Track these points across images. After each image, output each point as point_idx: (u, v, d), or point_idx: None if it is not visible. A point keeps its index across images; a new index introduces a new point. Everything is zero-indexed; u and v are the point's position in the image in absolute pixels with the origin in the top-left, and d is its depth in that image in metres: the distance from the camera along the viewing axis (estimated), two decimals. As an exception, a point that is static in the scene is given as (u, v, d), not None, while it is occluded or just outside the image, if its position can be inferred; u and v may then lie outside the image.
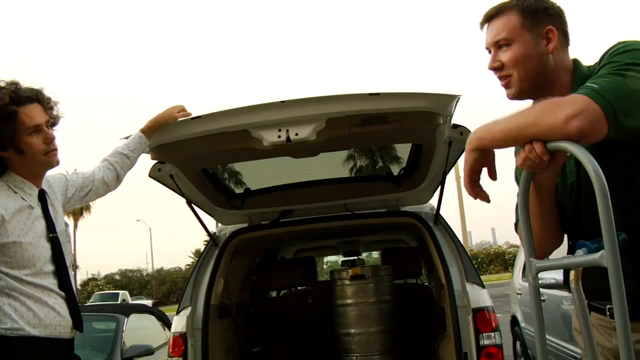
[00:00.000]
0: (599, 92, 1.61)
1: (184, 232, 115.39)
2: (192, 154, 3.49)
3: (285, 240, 6.38)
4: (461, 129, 3.40)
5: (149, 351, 5.85)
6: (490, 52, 2.00)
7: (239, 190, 4.69)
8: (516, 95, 1.96)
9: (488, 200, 1.86)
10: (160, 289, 56.28)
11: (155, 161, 3.58)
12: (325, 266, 20.40)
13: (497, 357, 3.61)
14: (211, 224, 5.06)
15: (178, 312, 4.10)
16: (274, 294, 7.13)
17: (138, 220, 67.12)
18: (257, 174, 4.66)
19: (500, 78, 1.98)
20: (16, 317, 2.44)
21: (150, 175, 3.74)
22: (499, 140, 1.72)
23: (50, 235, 2.60)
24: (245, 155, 3.77)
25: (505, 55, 1.94)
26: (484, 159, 1.78)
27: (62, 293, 2.60)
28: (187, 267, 58.05)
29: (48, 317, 2.52)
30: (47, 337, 2.51)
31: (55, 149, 2.63)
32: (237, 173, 4.64)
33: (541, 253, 1.93)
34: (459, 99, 3.05)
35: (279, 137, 3.05)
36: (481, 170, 1.81)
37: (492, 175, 1.82)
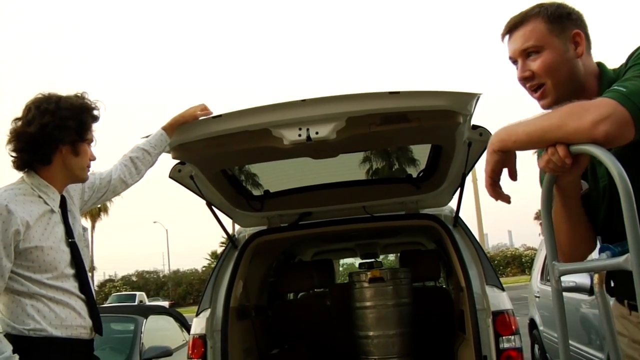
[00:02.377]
0: (627, 95, 1.58)
1: (200, 234, 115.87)
2: (213, 154, 3.50)
3: (303, 243, 6.39)
4: (481, 130, 3.38)
5: (168, 352, 5.86)
6: (515, 62, 1.95)
7: (258, 193, 4.70)
8: (552, 104, 1.89)
9: (509, 202, 1.84)
10: (176, 291, 56.30)
11: (176, 162, 3.60)
12: (341, 268, 20.36)
13: None
14: (228, 225, 5.08)
15: (197, 314, 4.11)
16: (292, 296, 7.14)
17: (155, 222, 67.77)
18: (276, 177, 4.67)
19: (531, 88, 1.93)
20: (39, 318, 2.49)
21: (170, 176, 3.75)
22: (522, 142, 1.70)
23: (69, 240, 2.67)
24: (265, 156, 3.77)
25: (535, 64, 1.89)
26: (505, 160, 1.77)
27: (83, 296, 2.65)
28: (204, 268, 58.17)
29: (69, 318, 2.57)
30: (68, 338, 2.56)
31: (89, 167, 2.78)
32: (256, 175, 4.65)
33: (574, 258, 1.91)
34: (479, 97, 3.03)
35: (300, 135, 3.05)
36: (502, 171, 1.80)
37: (513, 176, 1.81)
